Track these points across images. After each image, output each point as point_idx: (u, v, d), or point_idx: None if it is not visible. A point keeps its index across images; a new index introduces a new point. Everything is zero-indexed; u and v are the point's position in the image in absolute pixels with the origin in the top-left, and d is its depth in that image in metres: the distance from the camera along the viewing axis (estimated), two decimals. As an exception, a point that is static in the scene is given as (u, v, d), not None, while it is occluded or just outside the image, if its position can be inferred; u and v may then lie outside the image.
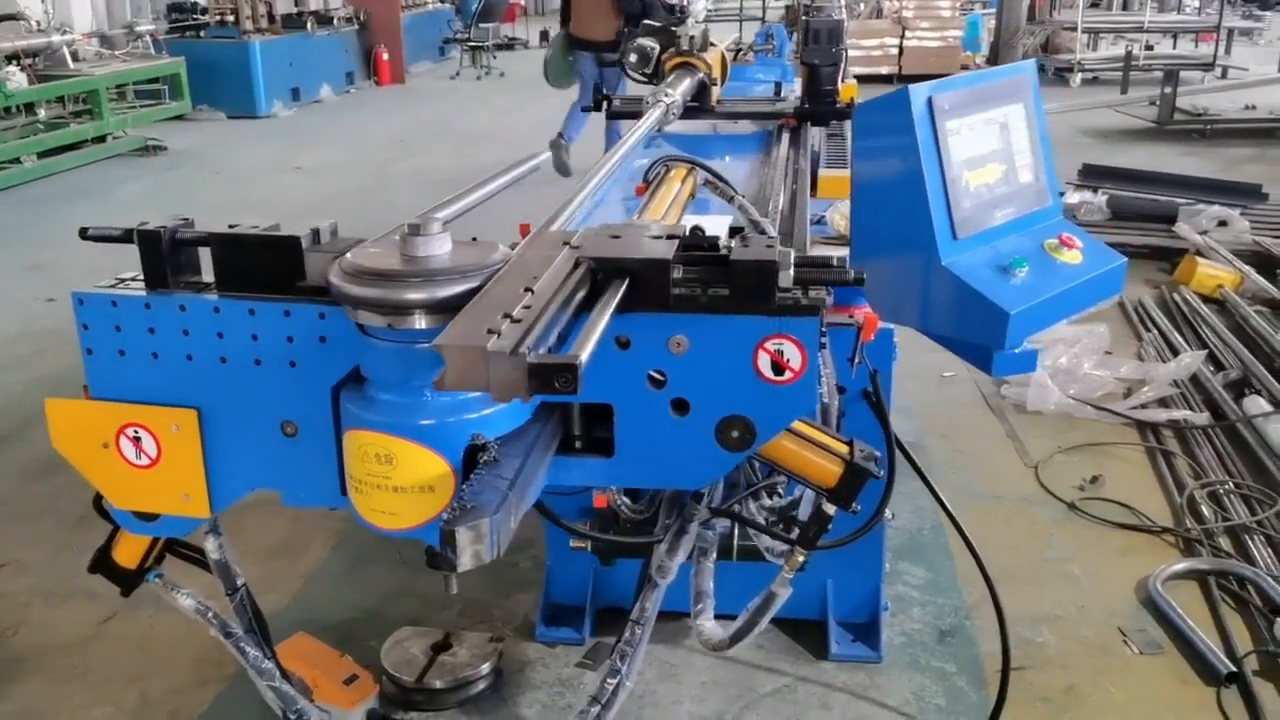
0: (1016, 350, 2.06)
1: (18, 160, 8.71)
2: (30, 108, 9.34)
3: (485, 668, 2.66)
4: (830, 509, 1.90)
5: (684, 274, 1.59)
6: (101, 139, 9.60)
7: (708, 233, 1.74)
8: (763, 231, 1.99)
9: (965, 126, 2.01)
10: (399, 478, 1.62)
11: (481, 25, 16.29)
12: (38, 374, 4.80)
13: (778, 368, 1.69)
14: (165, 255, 1.69)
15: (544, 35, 20.18)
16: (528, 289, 1.42)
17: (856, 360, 2.03)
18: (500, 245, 1.70)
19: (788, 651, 2.80)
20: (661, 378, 1.72)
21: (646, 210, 2.18)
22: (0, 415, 4.44)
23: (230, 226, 1.73)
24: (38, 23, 10.07)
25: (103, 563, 2.16)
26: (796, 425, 1.85)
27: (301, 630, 2.74)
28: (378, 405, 1.63)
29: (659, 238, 1.63)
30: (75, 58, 10.08)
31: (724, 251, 1.60)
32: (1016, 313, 1.93)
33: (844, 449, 1.88)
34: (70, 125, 9.44)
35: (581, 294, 1.53)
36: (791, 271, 1.56)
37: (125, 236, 1.71)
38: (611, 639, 2.80)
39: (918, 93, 1.95)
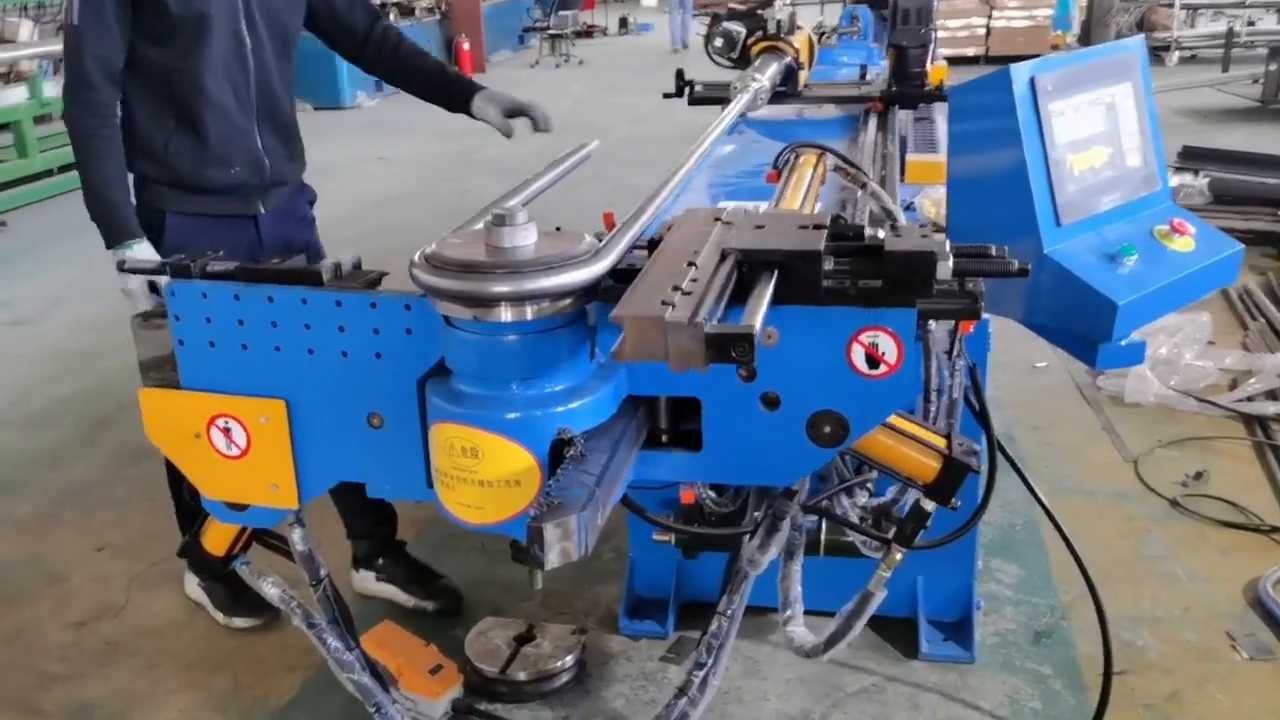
0: (1123, 342, 1.97)
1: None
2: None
3: (568, 660, 2.64)
4: (929, 505, 1.84)
5: (834, 265, 1.54)
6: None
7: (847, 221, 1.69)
8: (894, 219, 1.93)
9: (1070, 108, 1.92)
10: (485, 471, 1.60)
11: (561, 13, 16.31)
12: (133, 361, 4.91)
13: (872, 361, 1.63)
14: (198, 287, 1.72)
15: (623, 22, 20.15)
16: (690, 263, 1.44)
17: (955, 353, 1.95)
18: (586, 235, 1.67)
19: (876, 650, 2.73)
20: (751, 371, 1.68)
21: (783, 198, 2.14)
22: (98, 400, 4.56)
23: (257, 260, 1.77)
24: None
25: (192, 549, 2.19)
26: (891, 418, 1.78)
27: (387, 619, 2.75)
28: (464, 398, 1.61)
29: (806, 227, 1.59)
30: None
31: (877, 241, 1.55)
32: (1125, 303, 1.84)
33: (941, 443, 1.81)
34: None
35: (736, 275, 1.52)
36: (951, 262, 1.50)
37: (160, 269, 1.77)
38: (695, 633, 2.76)
39: (1019, 72, 1.86)
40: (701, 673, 2.12)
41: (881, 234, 1.68)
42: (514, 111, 2.60)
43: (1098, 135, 1.98)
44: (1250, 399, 4.02)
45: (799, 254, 1.54)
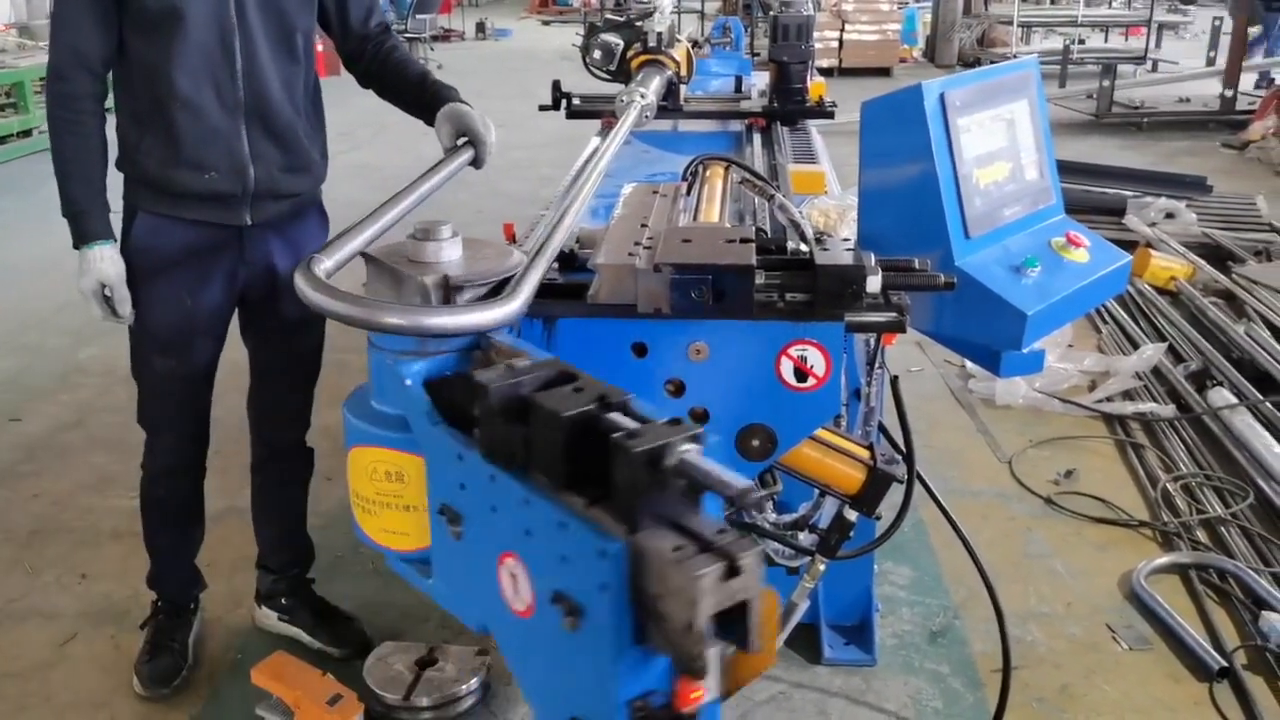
0: (1025, 350, 2.03)
1: (-62, 156, 8.37)
2: (-50, 101, 8.98)
3: (473, 683, 2.56)
4: (852, 516, 1.86)
5: (765, 279, 1.55)
6: (27, 133, 9.25)
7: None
8: (802, 231, 1.95)
9: (975, 124, 1.98)
10: (411, 496, 1.54)
11: (418, 17, 16.03)
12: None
13: (800, 374, 1.64)
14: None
15: (480, 27, 19.96)
16: (643, 225, 1.69)
17: (877, 366, 1.99)
18: (515, 251, 1.63)
19: (780, 656, 2.74)
20: (679, 386, 1.66)
21: (700, 210, 2.13)
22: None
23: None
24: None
25: None
26: (818, 431, 1.80)
27: (280, 650, 2.62)
28: (386, 420, 1.54)
29: (733, 241, 1.60)
30: (-4, 49, 9.72)
31: (807, 255, 1.57)
32: (1034, 313, 1.90)
33: (865, 454, 1.83)
34: (-6, 119, 9.10)
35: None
36: (880, 277, 1.52)
37: None
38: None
39: (930, 89, 1.90)
40: None
41: (805, 247, 1.70)
42: (463, 133, 2.29)
43: (1000, 150, 2.04)
44: (1110, 399, 4.23)
45: (732, 268, 1.54)
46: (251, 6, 2.24)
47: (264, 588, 2.87)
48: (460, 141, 2.27)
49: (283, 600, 2.85)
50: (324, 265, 1.53)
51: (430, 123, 2.39)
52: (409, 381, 1.41)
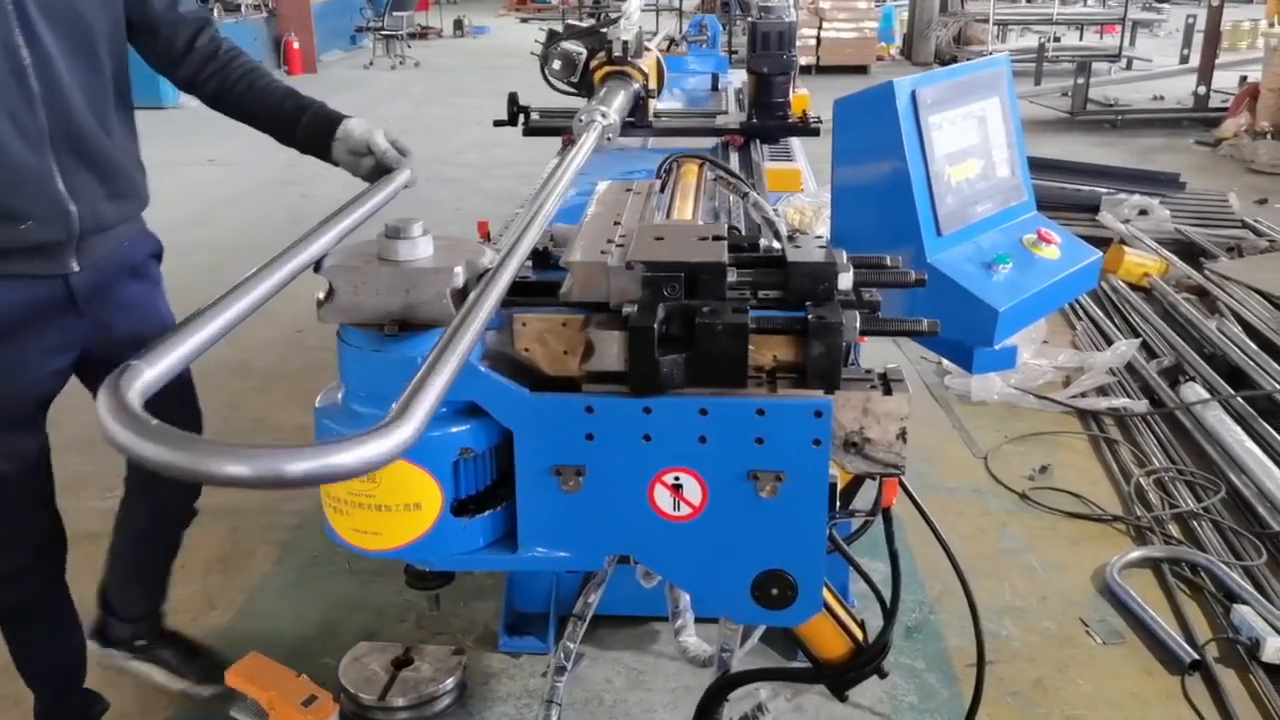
0: (998, 347, 2.05)
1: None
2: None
3: (449, 683, 2.56)
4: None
5: (737, 277, 1.55)
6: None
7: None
8: (775, 229, 1.95)
9: (946, 121, 1.98)
10: (383, 495, 1.54)
11: (395, 14, 15.97)
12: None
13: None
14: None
15: (458, 24, 19.90)
16: (616, 222, 1.67)
17: (849, 362, 1.99)
18: (486, 249, 1.62)
19: (757, 653, 2.73)
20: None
21: (674, 208, 2.12)
22: None
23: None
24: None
25: None
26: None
27: (253, 650, 2.60)
28: (358, 419, 1.54)
29: (706, 238, 1.60)
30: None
31: (780, 253, 1.58)
32: (1005, 310, 1.92)
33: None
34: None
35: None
36: (851, 273, 1.53)
37: None
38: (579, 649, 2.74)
39: (902, 86, 1.91)
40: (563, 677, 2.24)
41: (778, 245, 1.70)
42: (392, 141, 2.04)
43: (971, 148, 2.05)
44: (1083, 395, 4.26)
45: (704, 266, 1.54)
46: (38, 16, 1.86)
47: (124, 633, 2.57)
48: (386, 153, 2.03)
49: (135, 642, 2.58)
50: (144, 378, 1.04)
51: (293, 142, 2.14)
52: (483, 367, 1.44)
